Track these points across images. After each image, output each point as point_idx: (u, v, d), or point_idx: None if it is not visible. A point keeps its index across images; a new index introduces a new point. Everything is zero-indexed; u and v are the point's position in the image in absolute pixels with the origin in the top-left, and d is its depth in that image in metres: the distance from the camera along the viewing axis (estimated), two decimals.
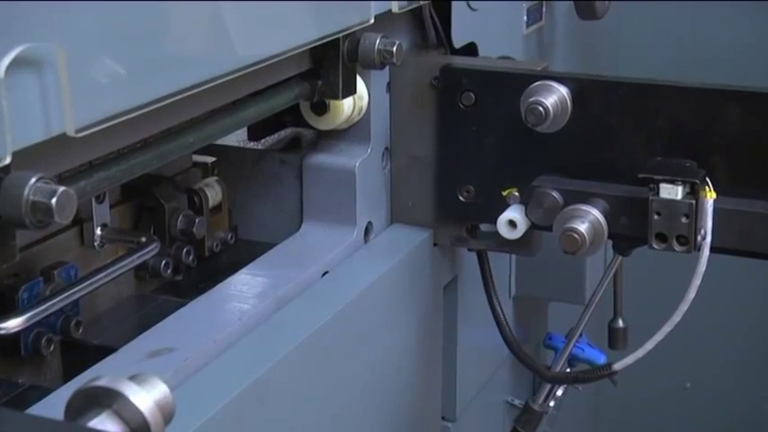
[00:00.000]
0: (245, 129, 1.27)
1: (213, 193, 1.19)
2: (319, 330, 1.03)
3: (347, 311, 1.08)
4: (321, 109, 1.17)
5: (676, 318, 1.09)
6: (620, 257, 1.32)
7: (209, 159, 1.22)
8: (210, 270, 1.17)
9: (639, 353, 1.13)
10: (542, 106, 1.11)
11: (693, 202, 1.06)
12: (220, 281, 1.09)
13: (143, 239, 1.06)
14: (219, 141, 1.18)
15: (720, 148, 1.10)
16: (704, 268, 1.08)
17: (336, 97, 1.12)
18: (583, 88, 1.13)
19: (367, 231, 1.21)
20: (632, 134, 1.13)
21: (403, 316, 1.21)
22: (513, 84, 1.15)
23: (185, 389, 0.91)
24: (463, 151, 1.21)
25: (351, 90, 1.14)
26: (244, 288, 1.07)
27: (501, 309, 1.28)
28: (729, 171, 1.10)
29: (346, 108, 1.16)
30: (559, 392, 1.50)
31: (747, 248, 1.09)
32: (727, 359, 2.11)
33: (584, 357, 1.58)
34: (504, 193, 1.18)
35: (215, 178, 1.20)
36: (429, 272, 1.25)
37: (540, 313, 1.67)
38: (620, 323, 1.49)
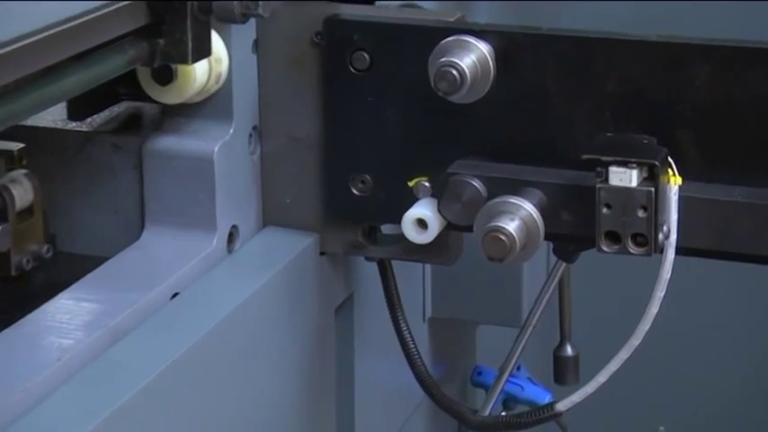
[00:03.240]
0: (64, 104, 1.26)
1: (21, 191, 1.18)
2: (167, 371, 1.03)
3: (205, 345, 1.08)
4: (165, 77, 1.17)
5: (635, 341, 1.11)
6: (565, 264, 1.34)
7: (15, 146, 1.21)
8: (19, 294, 1.16)
9: (589, 388, 1.14)
10: (457, 69, 1.12)
11: (652, 189, 1.08)
12: (33, 309, 1.08)
13: None
14: (28, 122, 1.17)
15: (687, 120, 1.12)
16: (669, 276, 1.10)
17: (185, 61, 1.12)
18: (509, 44, 1.15)
19: (231, 238, 1.22)
20: (574, 103, 1.15)
21: (281, 349, 1.21)
22: (420, 40, 1.16)
23: None
24: (356, 130, 1.22)
25: (204, 51, 1.14)
26: (65, 317, 1.07)
27: (411, 336, 1.29)
28: (699, 149, 1.12)
29: (199, 75, 1.16)
30: None
31: (723, 248, 1.11)
32: (707, 394, 2.16)
33: (524, 397, 1.60)
34: (411, 184, 1.20)
35: (23, 171, 1.19)
36: (315, 290, 1.26)
37: (466, 340, 1.68)
38: (569, 351, 1.52)
